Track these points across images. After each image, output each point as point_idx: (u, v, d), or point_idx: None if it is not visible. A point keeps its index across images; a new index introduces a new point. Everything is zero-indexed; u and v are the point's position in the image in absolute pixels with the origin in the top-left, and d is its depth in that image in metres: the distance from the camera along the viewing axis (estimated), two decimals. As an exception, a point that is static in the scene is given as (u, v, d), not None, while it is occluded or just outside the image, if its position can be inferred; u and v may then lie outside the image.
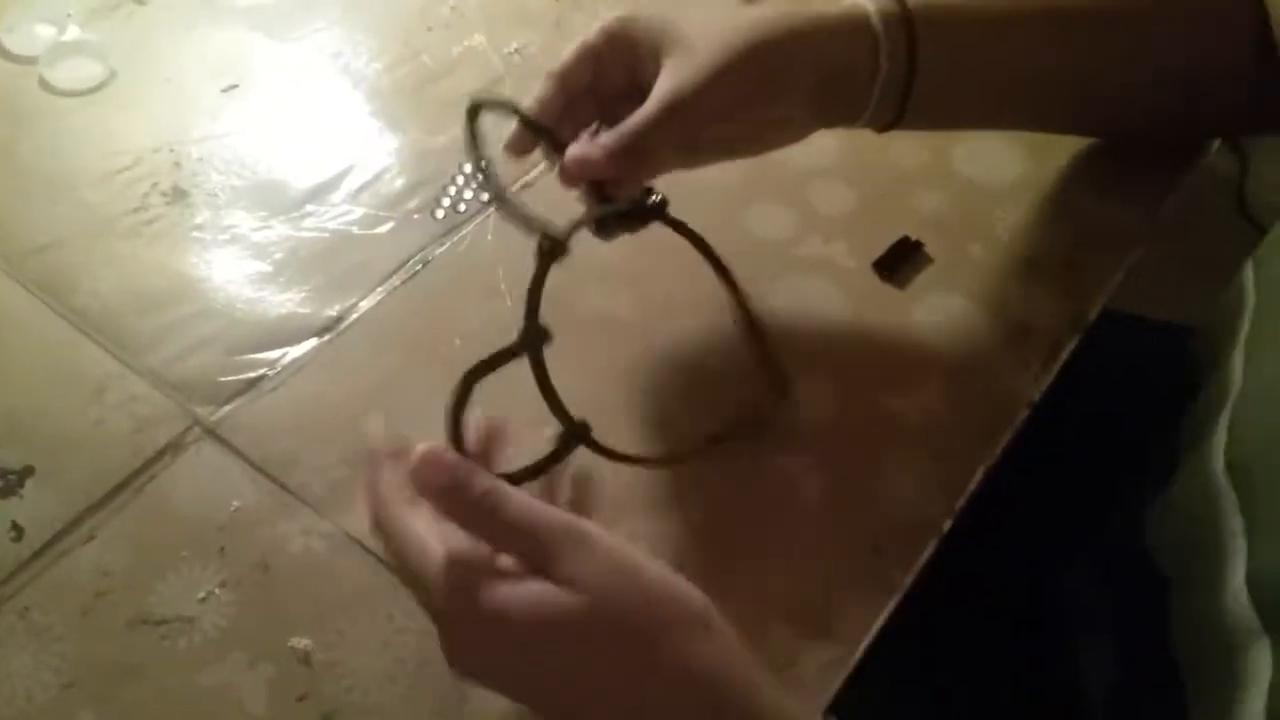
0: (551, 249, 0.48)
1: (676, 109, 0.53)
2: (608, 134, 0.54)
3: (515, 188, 0.68)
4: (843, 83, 0.57)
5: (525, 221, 0.50)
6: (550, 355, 0.47)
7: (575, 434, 0.48)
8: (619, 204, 0.56)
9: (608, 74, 0.57)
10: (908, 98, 0.58)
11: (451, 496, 0.42)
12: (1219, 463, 0.53)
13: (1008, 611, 0.68)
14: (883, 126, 0.60)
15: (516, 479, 0.46)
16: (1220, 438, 0.54)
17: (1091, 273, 0.66)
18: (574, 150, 0.54)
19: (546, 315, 0.46)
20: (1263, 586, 0.48)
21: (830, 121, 0.59)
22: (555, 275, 0.47)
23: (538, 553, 0.40)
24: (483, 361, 0.48)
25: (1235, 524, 0.51)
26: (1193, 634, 0.54)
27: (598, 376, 0.59)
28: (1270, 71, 0.60)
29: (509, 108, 0.57)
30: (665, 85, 0.54)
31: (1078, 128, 0.70)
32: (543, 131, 0.56)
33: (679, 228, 0.56)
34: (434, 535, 0.41)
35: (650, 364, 0.59)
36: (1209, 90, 0.64)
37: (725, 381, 0.59)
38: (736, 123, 0.56)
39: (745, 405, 0.57)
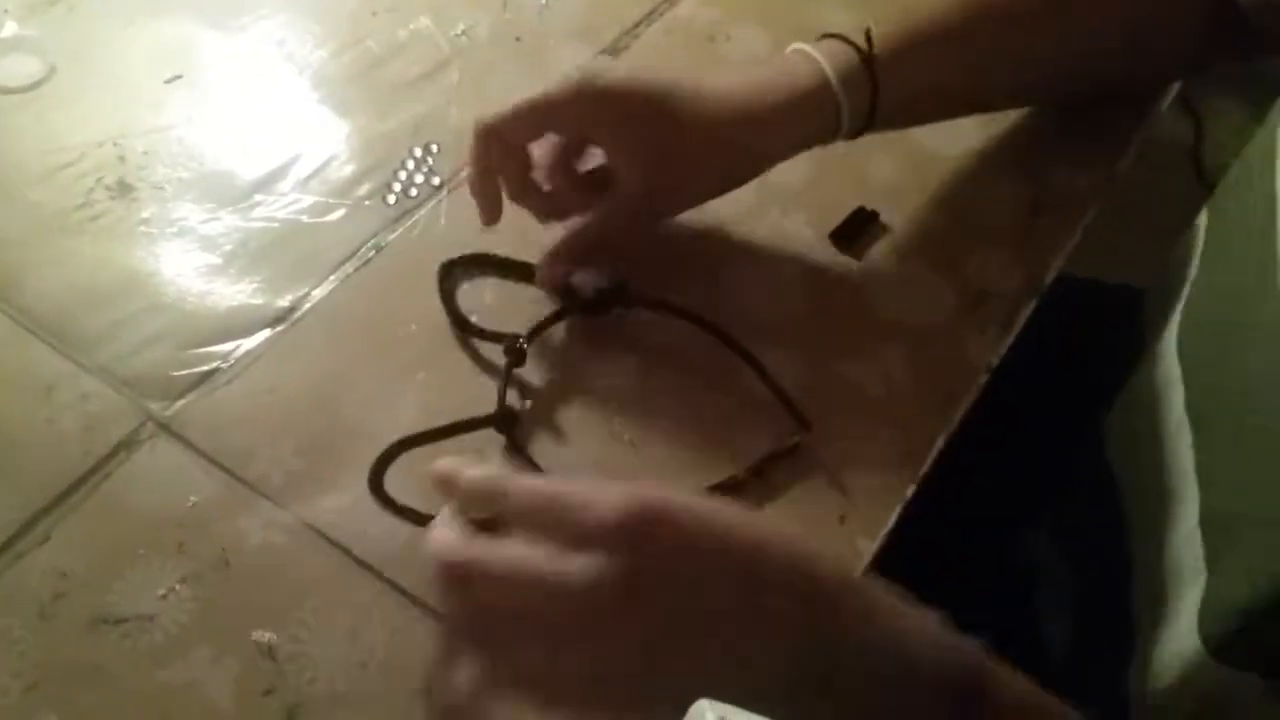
0: (512, 359, 0.57)
1: (647, 211, 0.60)
2: (573, 236, 0.59)
3: (466, 172, 0.68)
4: (810, 142, 0.62)
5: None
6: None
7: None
8: (583, 296, 0.60)
9: (564, 128, 0.59)
10: (868, 127, 0.62)
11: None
12: (1171, 354, 0.55)
13: (970, 574, 0.69)
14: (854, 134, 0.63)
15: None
16: (1171, 339, 0.55)
17: (1047, 237, 0.67)
18: (545, 268, 0.59)
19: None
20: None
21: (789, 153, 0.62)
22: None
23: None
24: (451, 425, 0.55)
25: (1181, 414, 0.52)
26: (1147, 569, 0.55)
27: (598, 438, 0.57)
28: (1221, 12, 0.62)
29: (482, 264, 0.62)
30: (634, 185, 0.58)
31: (1027, 104, 0.71)
32: (518, 267, 0.61)
33: (655, 305, 0.60)
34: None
35: (652, 413, 0.58)
36: (1158, 46, 0.66)
37: (732, 423, 0.58)
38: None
39: (777, 440, 0.56)
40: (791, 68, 0.59)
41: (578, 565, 0.36)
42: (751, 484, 0.55)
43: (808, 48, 0.59)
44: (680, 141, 0.56)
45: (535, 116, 0.56)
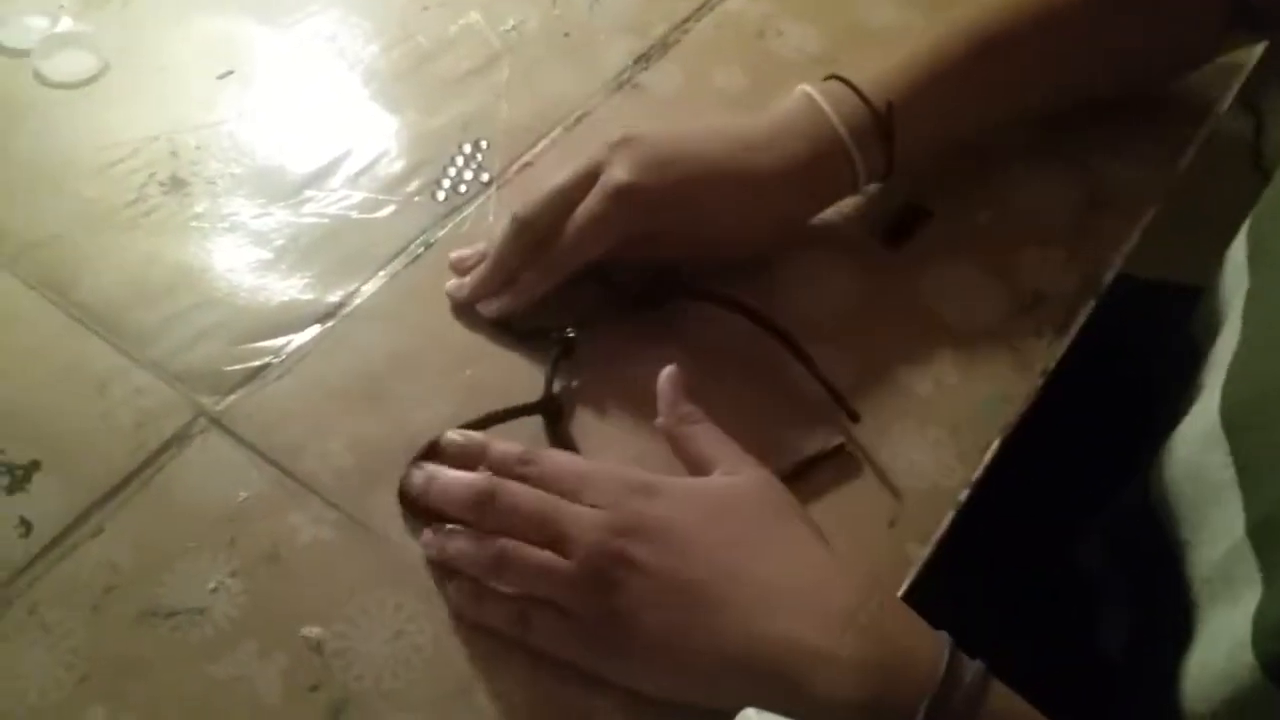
0: (560, 350, 0.58)
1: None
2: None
3: (515, 168, 0.68)
4: (827, 204, 0.63)
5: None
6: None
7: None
8: (633, 289, 0.61)
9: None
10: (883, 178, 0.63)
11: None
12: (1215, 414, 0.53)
13: (1025, 580, 0.68)
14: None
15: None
16: (1215, 392, 0.54)
17: (1105, 237, 0.65)
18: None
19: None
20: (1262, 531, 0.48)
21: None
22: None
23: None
24: (498, 412, 0.56)
25: (1228, 474, 0.51)
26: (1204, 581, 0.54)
27: (642, 431, 0.57)
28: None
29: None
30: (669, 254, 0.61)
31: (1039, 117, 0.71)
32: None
33: (705, 297, 0.60)
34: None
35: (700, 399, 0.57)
36: (1162, 60, 0.69)
37: (779, 420, 0.58)
38: None
39: (824, 439, 0.57)
40: (806, 131, 0.60)
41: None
42: (798, 485, 0.54)
43: (820, 101, 0.60)
44: (714, 228, 0.60)
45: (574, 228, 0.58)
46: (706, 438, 0.52)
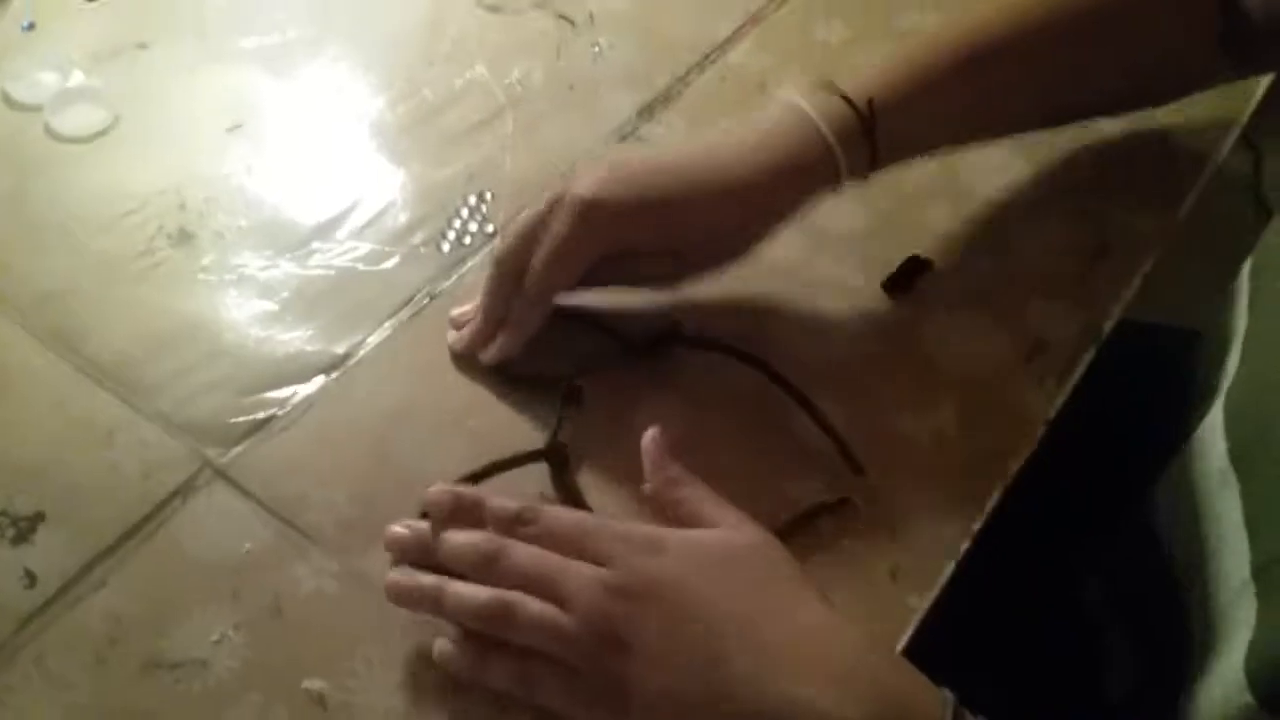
0: (567, 397, 0.58)
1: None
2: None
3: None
4: (813, 200, 0.61)
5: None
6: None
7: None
8: (634, 338, 0.61)
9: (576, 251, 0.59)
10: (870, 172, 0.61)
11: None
12: (1223, 456, 0.53)
13: (1027, 624, 0.67)
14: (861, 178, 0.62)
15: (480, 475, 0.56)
16: (1220, 434, 0.54)
17: (1106, 283, 0.66)
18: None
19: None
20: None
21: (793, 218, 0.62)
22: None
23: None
24: (503, 460, 0.56)
25: (1235, 516, 0.51)
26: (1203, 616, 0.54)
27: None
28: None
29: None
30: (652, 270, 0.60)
31: (1041, 127, 0.70)
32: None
33: (708, 346, 0.61)
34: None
35: (700, 456, 0.56)
36: (1158, 73, 0.67)
37: (782, 470, 0.58)
38: None
39: (828, 489, 0.57)
40: (787, 129, 0.59)
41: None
42: (798, 535, 0.54)
43: (802, 103, 0.59)
44: (689, 232, 0.58)
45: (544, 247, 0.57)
46: (699, 499, 0.52)
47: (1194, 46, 0.65)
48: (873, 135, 0.59)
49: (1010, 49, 0.61)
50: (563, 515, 0.51)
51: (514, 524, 0.50)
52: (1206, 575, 0.53)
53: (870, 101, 0.58)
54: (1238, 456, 0.52)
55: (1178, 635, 0.56)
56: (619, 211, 0.56)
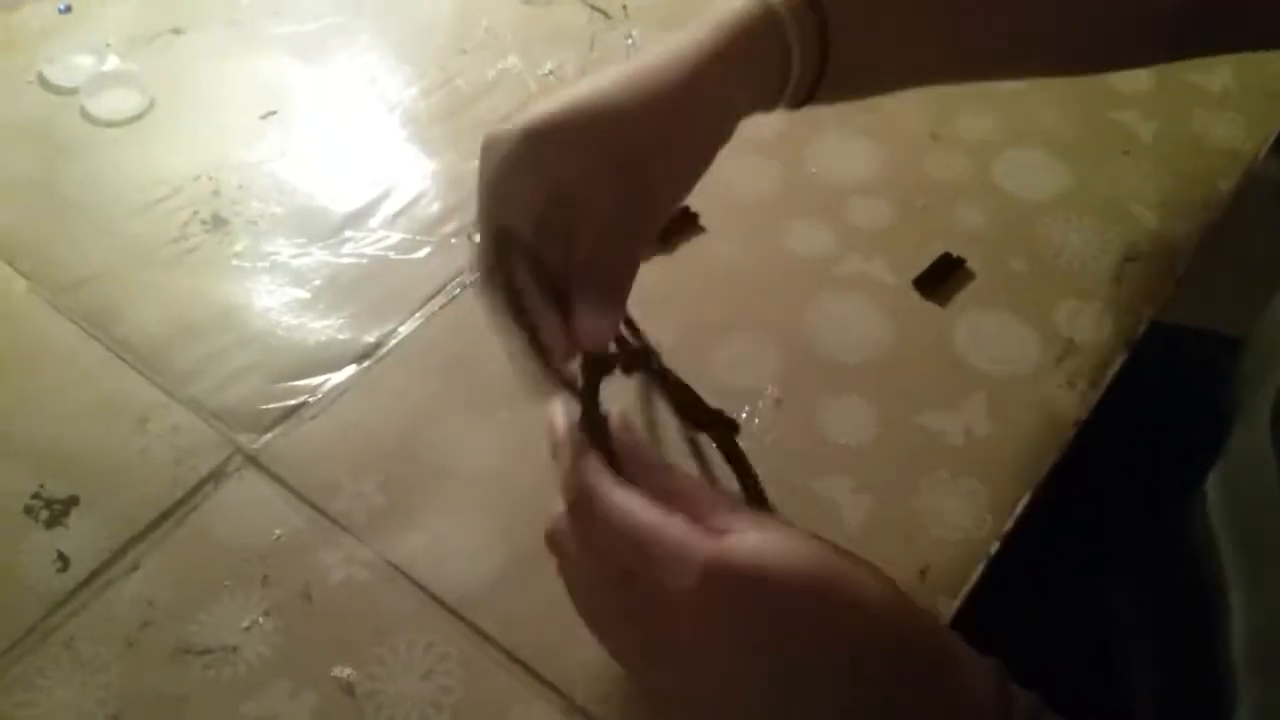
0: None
1: (650, 231, 0.50)
2: (587, 294, 0.48)
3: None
4: (767, 93, 0.53)
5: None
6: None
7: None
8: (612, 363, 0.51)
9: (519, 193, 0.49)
10: (820, 80, 0.53)
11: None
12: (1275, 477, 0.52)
13: (1053, 625, 0.67)
14: (795, 106, 0.55)
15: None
16: (1265, 407, 0.53)
17: (1140, 287, 0.65)
18: (590, 330, 0.48)
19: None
20: None
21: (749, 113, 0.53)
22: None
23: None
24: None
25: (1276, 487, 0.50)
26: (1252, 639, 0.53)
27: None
28: None
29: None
30: (610, 203, 0.48)
31: (1002, 72, 0.63)
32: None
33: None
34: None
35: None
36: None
37: None
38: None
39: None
40: (736, 12, 0.50)
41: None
42: (827, 529, 0.54)
43: None
44: (640, 138, 0.48)
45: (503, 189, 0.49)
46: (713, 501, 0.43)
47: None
48: (825, 35, 0.51)
49: None
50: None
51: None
52: (1252, 599, 0.53)
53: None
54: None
55: (1211, 658, 0.55)
56: (545, 133, 0.47)
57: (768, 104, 0.53)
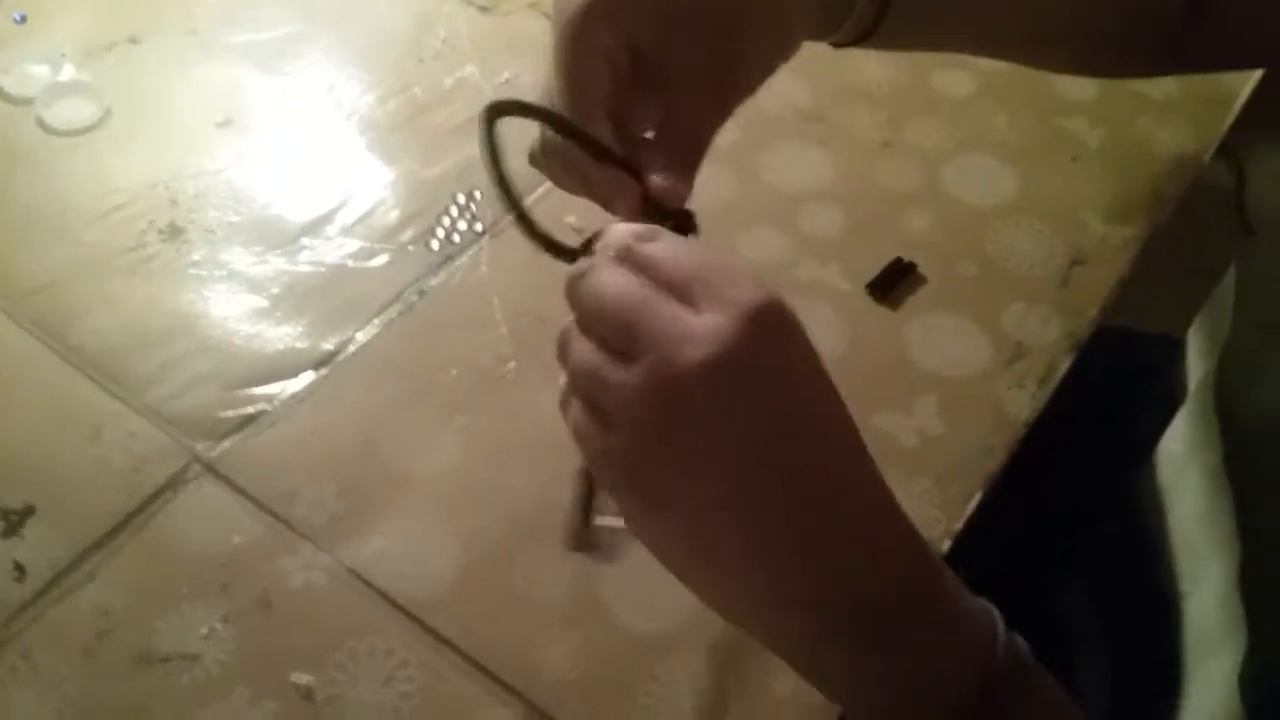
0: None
1: (730, 102, 0.48)
2: (665, 153, 0.47)
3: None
4: (832, 8, 0.52)
5: (545, 242, 0.44)
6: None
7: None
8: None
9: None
10: (882, 16, 0.53)
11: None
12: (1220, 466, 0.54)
13: (1007, 622, 0.68)
14: (860, 35, 0.54)
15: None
16: (1216, 440, 0.55)
17: (1087, 290, 0.67)
18: (661, 183, 0.46)
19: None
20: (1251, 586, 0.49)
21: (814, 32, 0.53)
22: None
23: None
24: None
25: (1219, 470, 0.51)
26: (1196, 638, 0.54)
27: None
28: None
29: (538, 114, 0.46)
30: (706, 76, 0.47)
31: (1044, 61, 0.64)
32: (582, 138, 0.46)
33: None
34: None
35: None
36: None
37: None
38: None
39: None
40: None
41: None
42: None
43: None
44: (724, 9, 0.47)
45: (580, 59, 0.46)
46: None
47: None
48: None
49: None
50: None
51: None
52: (1197, 587, 0.54)
53: None
54: (1231, 462, 0.53)
55: (1162, 647, 0.56)
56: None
57: (827, 24, 0.52)
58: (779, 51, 0.49)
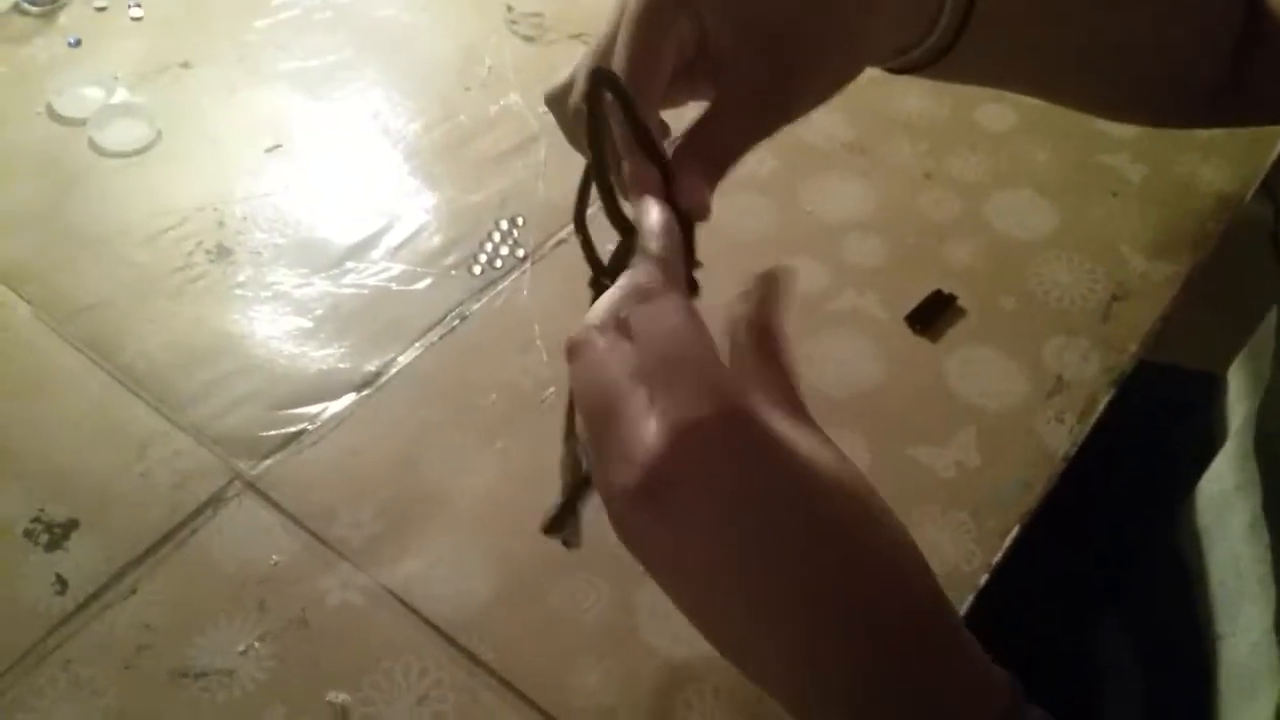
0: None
1: (777, 122, 0.47)
2: (696, 157, 0.46)
3: (550, 244, 0.69)
4: (909, 29, 0.50)
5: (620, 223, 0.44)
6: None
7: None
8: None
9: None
10: (954, 43, 0.51)
11: None
12: (1258, 509, 0.53)
13: (1039, 668, 0.67)
14: (937, 53, 0.52)
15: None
16: (1257, 486, 0.54)
17: (1128, 325, 0.66)
18: (694, 197, 0.46)
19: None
20: None
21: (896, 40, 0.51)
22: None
23: None
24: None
25: (1258, 515, 0.51)
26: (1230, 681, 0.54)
27: None
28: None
29: (622, 94, 0.44)
30: (751, 69, 0.46)
31: (1129, 100, 0.61)
32: (637, 122, 0.45)
33: None
34: None
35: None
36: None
37: None
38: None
39: None
40: None
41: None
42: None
43: None
44: (797, 16, 0.46)
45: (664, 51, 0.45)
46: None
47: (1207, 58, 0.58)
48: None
49: None
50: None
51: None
52: (1233, 629, 0.53)
53: None
54: (1271, 508, 0.52)
55: (1195, 687, 0.56)
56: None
57: (903, 45, 0.50)
58: (842, 79, 0.48)
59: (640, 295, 0.40)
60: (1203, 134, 0.78)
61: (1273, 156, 0.78)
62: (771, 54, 0.46)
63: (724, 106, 0.46)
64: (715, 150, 0.46)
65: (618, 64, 0.45)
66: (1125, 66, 0.60)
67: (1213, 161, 0.76)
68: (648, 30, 0.44)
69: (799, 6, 0.46)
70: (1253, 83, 0.59)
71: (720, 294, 0.66)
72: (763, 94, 0.47)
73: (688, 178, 0.45)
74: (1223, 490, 0.58)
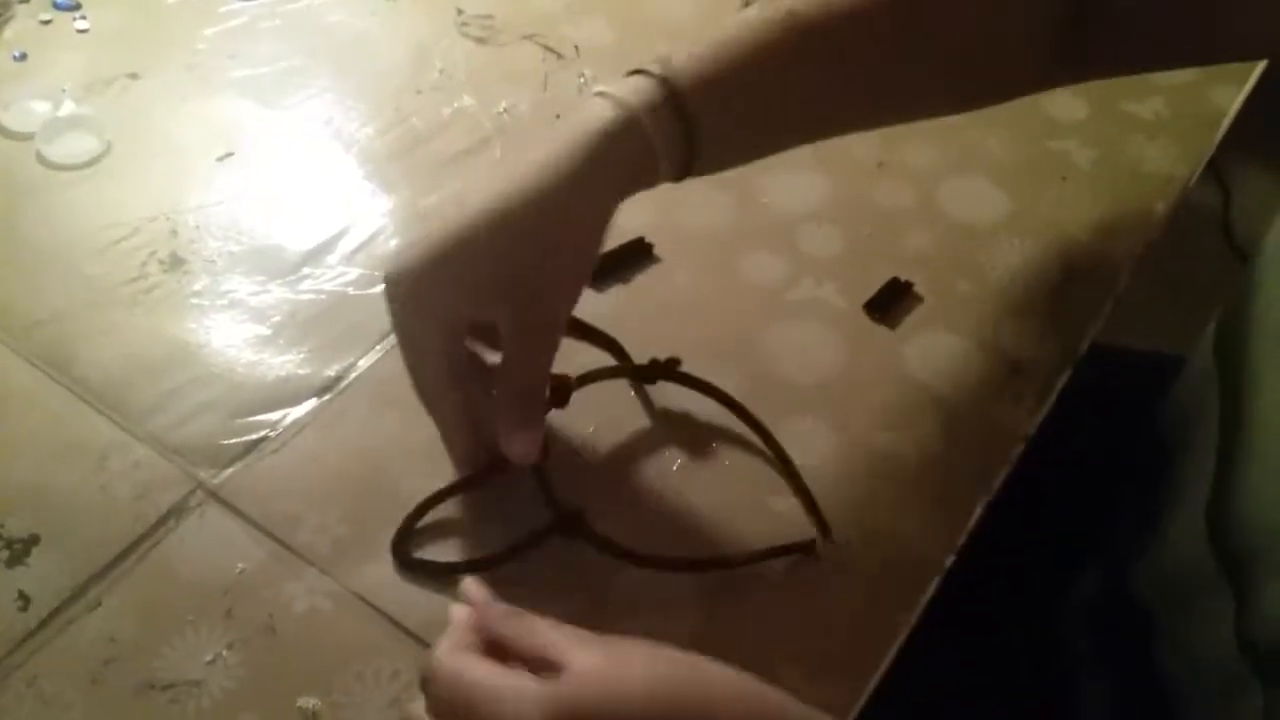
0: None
1: (552, 343, 0.53)
2: (507, 408, 0.53)
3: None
4: (639, 184, 0.54)
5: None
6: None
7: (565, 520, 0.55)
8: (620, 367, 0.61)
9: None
10: (689, 168, 0.55)
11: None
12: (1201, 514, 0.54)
13: (1008, 649, 0.68)
14: (679, 177, 0.55)
15: (499, 559, 0.54)
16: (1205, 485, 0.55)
17: (1081, 307, 0.67)
18: (517, 451, 0.54)
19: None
20: (1255, 636, 0.49)
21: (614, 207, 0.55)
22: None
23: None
24: (520, 543, 0.55)
25: (1220, 580, 0.52)
26: (1186, 672, 0.54)
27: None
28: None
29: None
30: (522, 330, 0.52)
31: (878, 124, 0.64)
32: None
33: (694, 384, 0.61)
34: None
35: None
36: (999, 61, 0.61)
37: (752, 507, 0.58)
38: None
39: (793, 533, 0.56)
40: (593, 113, 0.52)
41: None
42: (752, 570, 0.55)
43: (609, 88, 0.53)
44: (520, 261, 0.51)
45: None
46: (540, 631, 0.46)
47: (1020, 31, 0.59)
48: (679, 101, 0.52)
49: (826, 40, 0.55)
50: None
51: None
52: (1188, 627, 0.54)
53: (685, 98, 0.52)
54: (1216, 519, 0.53)
55: (1157, 678, 0.56)
56: (427, 272, 0.51)
57: (642, 188, 0.55)
58: (587, 266, 0.54)
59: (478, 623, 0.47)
60: (1149, 116, 0.79)
61: (1218, 137, 0.79)
62: (514, 298, 0.51)
63: (505, 355, 0.53)
64: (518, 390, 0.53)
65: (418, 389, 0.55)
66: (916, 106, 0.64)
67: (1159, 142, 0.77)
68: (411, 326, 0.53)
69: (522, 249, 0.51)
70: (1090, 44, 0.60)
71: (680, 287, 0.67)
72: (526, 330, 0.52)
73: (505, 427, 0.53)
74: (1185, 478, 0.58)
